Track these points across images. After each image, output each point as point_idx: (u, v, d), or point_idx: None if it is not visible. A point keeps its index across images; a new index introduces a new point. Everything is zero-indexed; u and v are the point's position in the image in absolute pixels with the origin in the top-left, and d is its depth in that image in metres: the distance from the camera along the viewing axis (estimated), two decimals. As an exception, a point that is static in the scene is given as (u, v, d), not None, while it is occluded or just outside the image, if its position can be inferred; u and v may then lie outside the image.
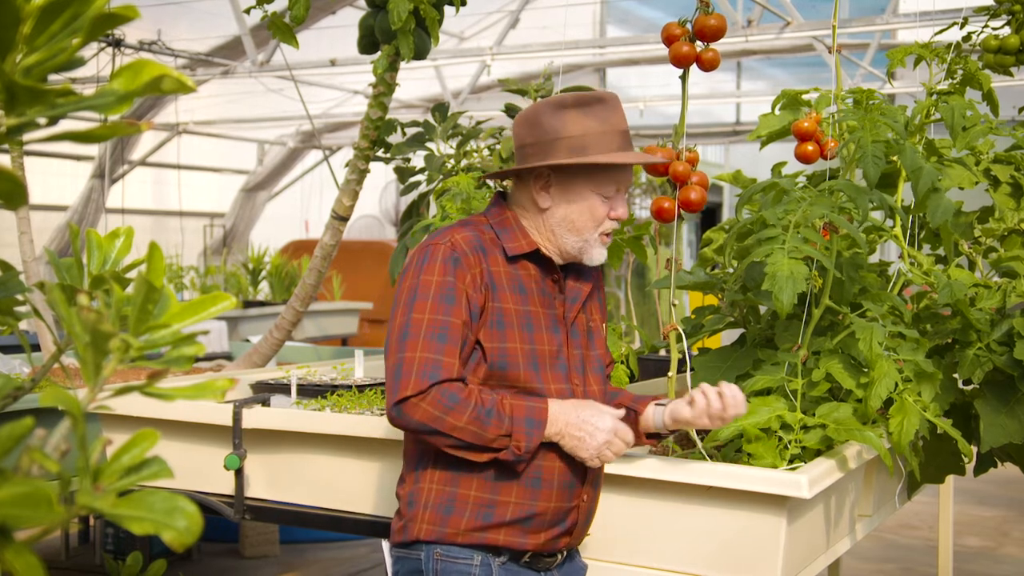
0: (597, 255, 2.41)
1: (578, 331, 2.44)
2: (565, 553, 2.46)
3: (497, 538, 2.31)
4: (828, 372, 2.75)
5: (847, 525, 2.94)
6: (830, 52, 3.10)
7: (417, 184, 4.28)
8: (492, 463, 2.29)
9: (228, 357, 5.46)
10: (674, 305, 2.82)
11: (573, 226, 2.38)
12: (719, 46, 2.79)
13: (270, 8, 4.16)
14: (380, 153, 4.34)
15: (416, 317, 2.27)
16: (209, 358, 5.25)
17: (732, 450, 2.79)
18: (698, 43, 2.77)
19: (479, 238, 2.37)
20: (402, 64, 4.18)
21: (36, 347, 4.97)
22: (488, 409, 2.21)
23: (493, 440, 2.23)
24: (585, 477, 2.39)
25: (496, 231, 2.41)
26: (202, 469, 3.23)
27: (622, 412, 2.31)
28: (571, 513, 2.39)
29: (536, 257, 2.40)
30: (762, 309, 3.29)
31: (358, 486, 3.04)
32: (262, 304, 8.37)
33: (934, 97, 3.30)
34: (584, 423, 2.25)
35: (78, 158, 12.09)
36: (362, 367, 3.82)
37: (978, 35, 3.70)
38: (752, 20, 7.42)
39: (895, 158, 3.13)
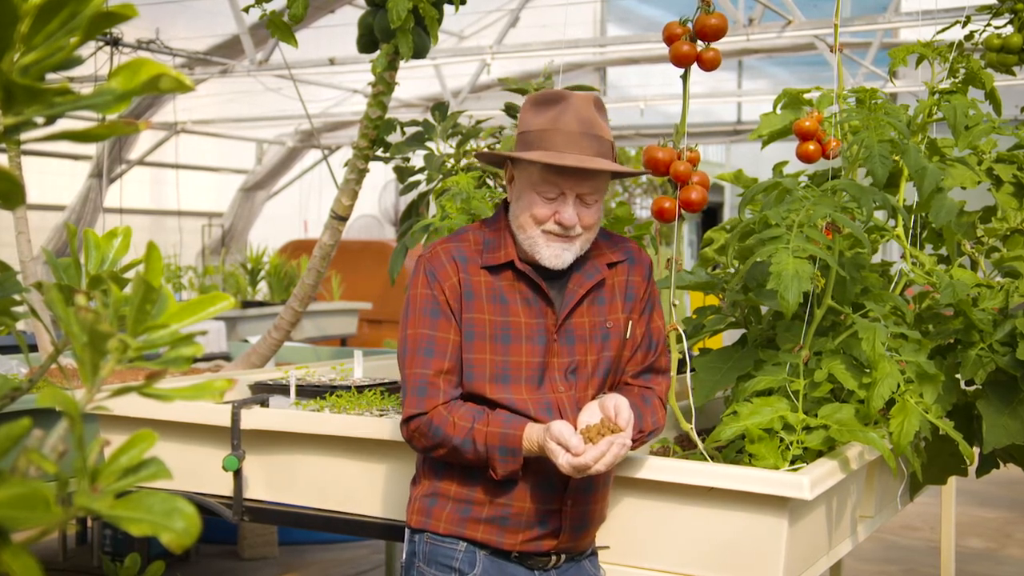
0: (548, 255, 2.37)
1: (574, 336, 2.41)
2: (563, 557, 2.46)
3: (475, 534, 2.39)
4: (830, 373, 2.74)
5: (849, 526, 2.93)
6: (832, 51, 3.09)
7: (416, 184, 4.26)
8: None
9: (227, 357, 5.44)
10: (674, 305, 2.81)
11: (518, 221, 2.40)
12: (720, 45, 2.78)
13: (269, 7, 4.14)
14: (379, 152, 4.33)
15: (410, 333, 2.39)
16: (207, 358, 5.24)
17: (733, 451, 2.78)
18: (699, 42, 2.75)
19: (462, 248, 2.42)
20: (401, 63, 4.17)
21: (34, 347, 4.96)
22: (464, 440, 2.30)
23: (478, 463, 2.33)
24: (567, 484, 2.38)
25: (484, 241, 2.44)
26: (200, 470, 3.22)
27: (580, 447, 2.20)
28: (551, 517, 2.39)
29: (518, 268, 2.41)
30: (763, 309, 3.28)
31: (357, 487, 3.03)
32: (261, 304, 8.36)
33: (936, 96, 3.29)
34: (548, 452, 2.24)
35: (76, 157, 12.08)
36: (361, 367, 3.81)
37: (980, 34, 3.70)
38: (753, 19, 7.42)
39: (897, 158, 3.12)
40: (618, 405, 2.27)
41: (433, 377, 2.34)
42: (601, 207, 2.43)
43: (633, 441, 2.37)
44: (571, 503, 2.40)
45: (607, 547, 2.63)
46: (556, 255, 2.37)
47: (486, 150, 3.94)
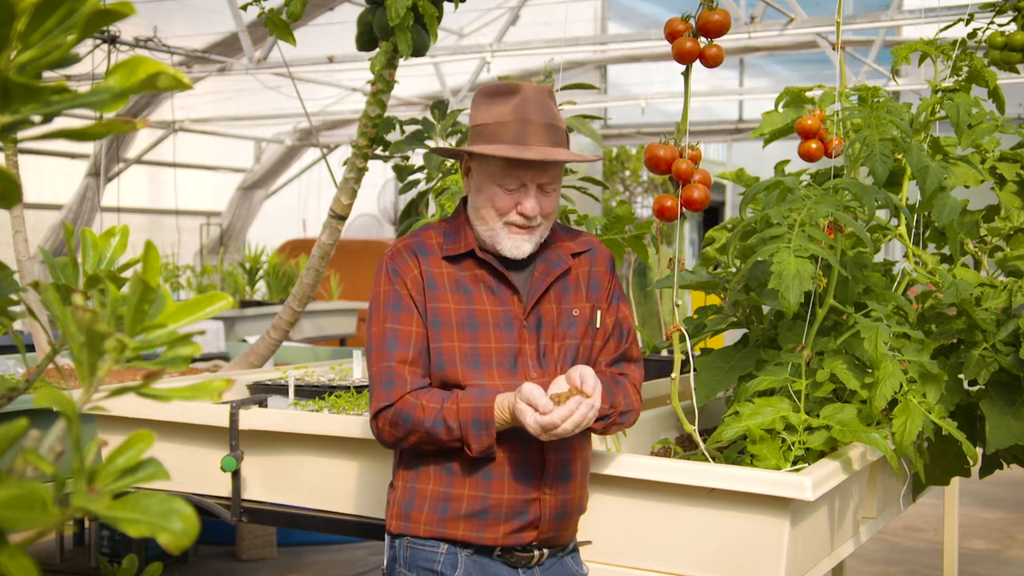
0: (510, 246, 2.40)
1: (544, 322, 2.44)
2: (545, 552, 2.45)
3: (456, 532, 2.39)
4: (832, 373, 2.72)
5: (851, 527, 2.92)
6: (834, 49, 3.08)
7: (416, 182, 4.26)
8: (449, 458, 2.38)
9: (225, 357, 5.43)
10: (677, 305, 2.80)
11: (479, 214, 2.43)
12: (722, 43, 2.77)
13: (267, 4, 4.13)
14: (378, 151, 4.32)
15: (375, 330, 2.41)
16: (206, 358, 5.22)
17: (735, 451, 2.77)
18: (701, 39, 2.74)
19: (423, 242, 2.45)
20: (401, 61, 4.15)
21: (31, 347, 4.94)
22: (435, 421, 2.31)
23: (452, 443, 2.33)
24: (544, 471, 2.40)
25: (445, 234, 2.47)
26: (198, 471, 3.21)
27: (549, 406, 2.21)
28: (531, 506, 2.40)
29: (480, 257, 2.43)
30: (765, 309, 3.27)
31: (356, 488, 3.02)
32: (259, 304, 8.34)
33: (939, 94, 3.28)
34: (518, 412, 2.25)
35: (73, 156, 12.07)
36: (360, 368, 3.80)
37: (984, 32, 3.69)
38: (755, 16, 7.42)
39: (900, 156, 3.11)
40: (583, 374, 2.28)
41: (398, 368, 2.35)
42: (559, 195, 2.47)
43: (605, 417, 2.41)
44: (549, 492, 2.40)
45: (589, 542, 2.62)
46: (517, 246, 2.40)
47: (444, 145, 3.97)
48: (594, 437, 2.61)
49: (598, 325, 2.51)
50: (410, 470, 2.44)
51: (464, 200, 2.53)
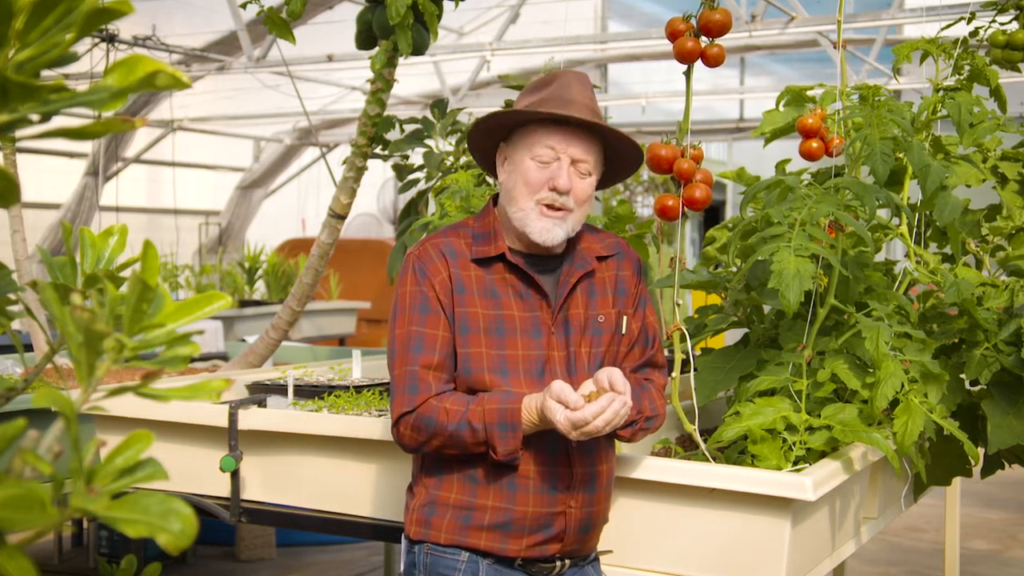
0: (539, 228, 2.34)
1: (572, 328, 2.40)
2: (567, 563, 2.42)
3: (478, 542, 2.34)
4: (833, 372, 2.72)
5: (852, 528, 2.92)
6: (835, 48, 3.07)
7: (416, 182, 4.25)
8: (472, 466, 2.33)
9: (224, 357, 5.42)
10: (678, 305, 2.79)
11: (510, 195, 2.38)
12: (723, 41, 2.76)
13: (266, 3, 4.12)
14: (378, 150, 4.31)
15: (399, 332, 2.36)
16: (204, 358, 5.22)
17: (736, 451, 2.76)
18: (703, 38, 2.73)
19: (452, 244, 2.40)
20: (400, 60, 4.14)
21: (29, 347, 4.94)
22: (459, 423, 2.25)
23: (476, 447, 2.28)
24: (572, 483, 2.35)
25: (474, 235, 2.43)
26: (197, 471, 3.20)
27: (580, 402, 2.18)
28: (556, 519, 2.35)
29: (510, 261, 2.39)
30: (766, 308, 3.26)
31: (355, 488, 3.01)
32: (258, 303, 8.34)
33: (940, 93, 3.27)
34: (547, 411, 2.20)
35: (71, 155, 12.05)
36: (359, 367, 3.79)
37: (985, 30, 3.68)
38: (756, 15, 7.42)
39: (901, 155, 3.10)
40: (611, 376, 2.24)
41: (422, 372, 2.30)
42: (593, 187, 2.42)
43: (633, 423, 2.36)
44: (575, 504, 2.36)
45: (610, 551, 2.61)
46: (547, 229, 2.34)
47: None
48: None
49: (623, 331, 2.47)
50: (432, 477, 2.39)
51: (495, 198, 2.49)
